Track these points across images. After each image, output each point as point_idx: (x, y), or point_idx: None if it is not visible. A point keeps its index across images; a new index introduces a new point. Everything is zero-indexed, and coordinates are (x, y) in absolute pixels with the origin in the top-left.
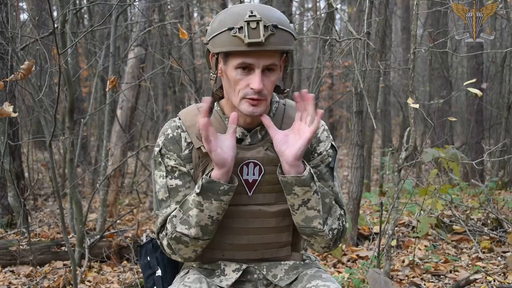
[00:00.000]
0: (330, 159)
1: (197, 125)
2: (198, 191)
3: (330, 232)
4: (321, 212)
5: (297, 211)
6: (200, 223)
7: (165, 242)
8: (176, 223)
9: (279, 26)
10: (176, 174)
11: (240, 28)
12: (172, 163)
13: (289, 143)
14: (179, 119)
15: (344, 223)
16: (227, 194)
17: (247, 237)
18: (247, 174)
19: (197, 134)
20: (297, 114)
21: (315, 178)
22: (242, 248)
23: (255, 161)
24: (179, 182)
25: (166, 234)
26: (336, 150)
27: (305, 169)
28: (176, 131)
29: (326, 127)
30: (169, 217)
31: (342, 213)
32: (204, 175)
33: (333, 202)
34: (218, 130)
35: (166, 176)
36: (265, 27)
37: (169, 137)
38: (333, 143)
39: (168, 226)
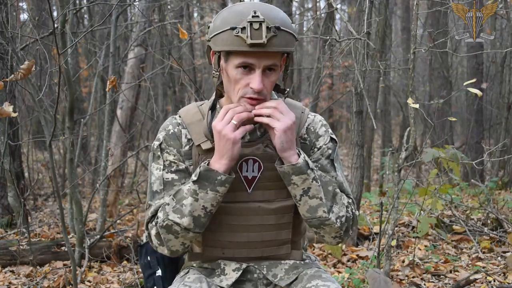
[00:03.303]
0: (330, 151)
1: (204, 121)
2: (195, 178)
3: (338, 220)
4: (323, 200)
5: (300, 201)
6: (193, 213)
7: (153, 232)
8: (169, 211)
9: (281, 27)
10: (173, 169)
11: (243, 28)
12: (171, 158)
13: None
14: (179, 116)
15: (353, 211)
16: (223, 185)
17: (246, 234)
18: (247, 171)
19: (205, 133)
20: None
21: (311, 166)
22: (242, 245)
23: (255, 157)
24: (175, 176)
25: (156, 223)
26: (336, 142)
27: (299, 157)
28: (177, 127)
29: (325, 122)
30: (162, 205)
31: (350, 202)
32: (202, 163)
33: (337, 190)
34: None
35: (163, 169)
36: (268, 28)
37: (170, 132)
38: (332, 136)
39: (160, 214)
